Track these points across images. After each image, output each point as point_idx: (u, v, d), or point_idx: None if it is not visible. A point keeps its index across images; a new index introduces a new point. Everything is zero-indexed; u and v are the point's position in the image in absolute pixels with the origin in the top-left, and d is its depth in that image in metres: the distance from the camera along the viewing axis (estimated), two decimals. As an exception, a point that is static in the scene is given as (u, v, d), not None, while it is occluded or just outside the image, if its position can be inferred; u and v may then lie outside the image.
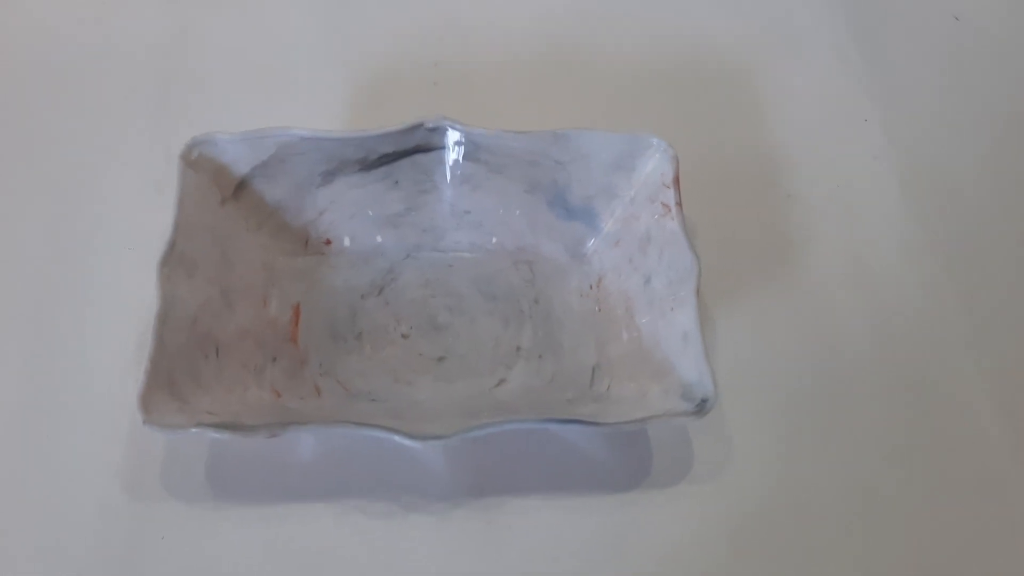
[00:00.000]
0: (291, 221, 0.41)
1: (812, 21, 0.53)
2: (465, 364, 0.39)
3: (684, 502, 0.37)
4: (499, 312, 0.40)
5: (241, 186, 0.40)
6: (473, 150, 0.40)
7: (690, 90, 0.49)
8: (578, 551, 0.36)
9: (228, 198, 0.39)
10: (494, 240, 0.42)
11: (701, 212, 0.42)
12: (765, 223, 0.45)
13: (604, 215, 0.41)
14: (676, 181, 0.39)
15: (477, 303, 0.41)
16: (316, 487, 0.37)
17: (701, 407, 0.34)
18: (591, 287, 0.41)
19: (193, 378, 0.35)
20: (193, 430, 0.32)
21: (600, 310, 0.40)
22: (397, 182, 0.41)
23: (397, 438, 0.32)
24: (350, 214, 0.41)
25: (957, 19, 0.54)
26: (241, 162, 0.39)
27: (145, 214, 0.42)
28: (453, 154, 0.40)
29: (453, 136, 0.40)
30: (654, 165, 0.39)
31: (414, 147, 0.40)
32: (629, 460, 0.38)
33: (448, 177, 0.41)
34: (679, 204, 0.38)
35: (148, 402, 0.33)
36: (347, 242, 0.42)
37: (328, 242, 0.42)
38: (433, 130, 0.39)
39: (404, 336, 0.40)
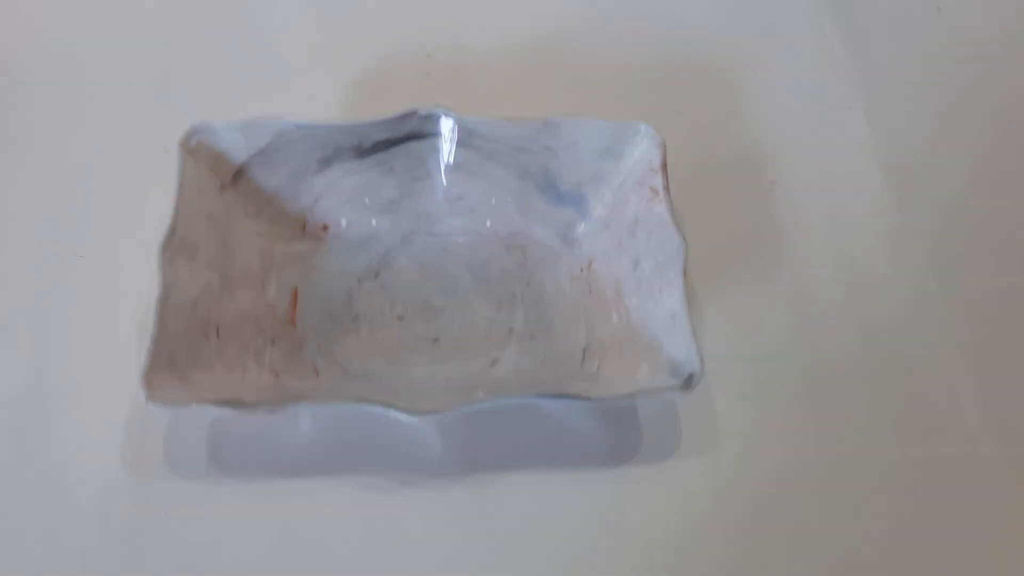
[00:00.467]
0: (288, 207, 0.42)
1: (797, 11, 0.54)
2: (459, 345, 0.40)
3: (672, 477, 0.38)
4: (492, 295, 0.41)
5: (239, 173, 0.41)
6: (466, 137, 0.41)
7: (677, 79, 0.50)
8: (569, 524, 0.37)
9: (227, 185, 0.40)
10: (487, 225, 0.43)
11: (688, 197, 0.43)
12: (750, 208, 0.46)
13: (594, 200, 0.42)
14: (663, 166, 0.40)
15: (470, 286, 0.42)
16: (315, 464, 0.37)
17: (688, 382, 0.35)
18: (581, 270, 0.42)
19: (194, 359, 0.36)
20: (195, 406, 0.33)
21: (590, 292, 0.41)
22: (391, 169, 0.42)
23: (394, 413, 0.33)
24: (346, 200, 0.42)
25: (939, 10, 0.54)
26: (239, 150, 0.40)
27: (143, 202, 0.43)
28: (446, 141, 0.41)
29: (446, 123, 0.41)
30: (642, 151, 0.40)
31: (408, 134, 0.41)
32: (619, 437, 0.39)
33: (441, 164, 0.42)
34: (667, 188, 0.39)
35: (151, 380, 0.34)
36: (343, 227, 0.42)
37: (325, 228, 0.42)
38: (426, 117, 0.40)
39: (400, 318, 0.41)
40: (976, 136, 0.49)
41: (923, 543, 0.37)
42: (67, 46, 0.50)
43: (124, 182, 0.45)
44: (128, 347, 0.39)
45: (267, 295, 0.40)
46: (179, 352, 0.36)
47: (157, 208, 0.39)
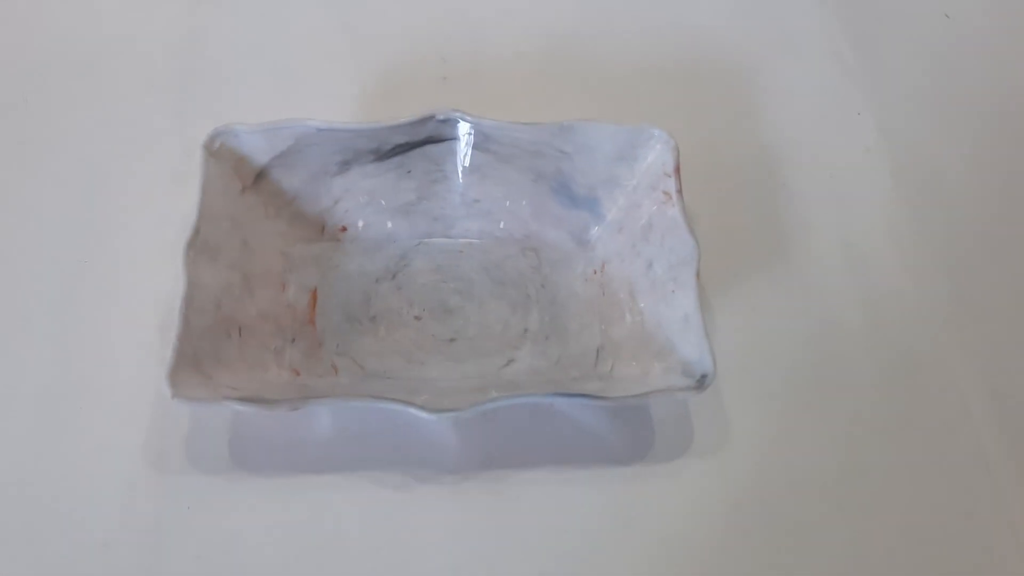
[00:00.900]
0: (308, 209, 0.43)
1: (808, 17, 0.54)
2: (475, 345, 0.41)
3: (684, 476, 0.39)
4: (507, 296, 0.42)
5: (260, 175, 0.41)
6: (482, 141, 0.42)
7: (690, 84, 0.51)
8: (582, 522, 0.37)
9: (248, 187, 0.41)
10: (502, 227, 0.43)
11: (700, 201, 0.44)
12: (761, 211, 0.46)
13: (607, 203, 0.43)
14: (677, 170, 0.40)
15: (486, 288, 0.42)
16: (333, 460, 0.38)
17: (701, 383, 0.36)
18: (595, 272, 0.43)
19: (217, 357, 0.37)
20: (219, 403, 0.34)
21: (604, 294, 0.42)
22: (409, 172, 0.43)
23: (412, 410, 0.34)
24: (364, 202, 0.43)
25: (948, 16, 0.55)
26: (260, 152, 0.41)
27: (165, 203, 0.44)
28: (463, 145, 0.42)
29: (463, 127, 0.41)
30: (656, 155, 0.41)
31: (426, 138, 0.42)
32: (631, 436, 0.39)
33: (458, 167, 0.43)
34: (680, 192, 0.40)
35: (176, 378, 0.34)
36: (361, 229, 0.43)
37: (343, 229, 0.43)
38: (444, 121, 0.41)
39: (416, 319, 0.41)
40: (984, 141, 0.50)
41: (933, 544, 0.38)
42: (92, 49, 0.51)
43: (146, 183, 0.46)
44: (150, 345, 0.40)
45: (287, 295, 0.41)
46: (202, 350, 0.36)
47: (179, 208, 0.40)
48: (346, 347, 0.40)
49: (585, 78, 0.51)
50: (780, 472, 0.39)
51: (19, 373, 0.40)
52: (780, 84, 0.51)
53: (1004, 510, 0.39)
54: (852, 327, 0.43)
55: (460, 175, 0.43)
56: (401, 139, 0.42)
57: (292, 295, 0.41)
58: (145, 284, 0.42)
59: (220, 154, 0.40)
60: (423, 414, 0.34)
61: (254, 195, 0.41)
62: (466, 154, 0.42)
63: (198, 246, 0.38)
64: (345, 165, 0.42)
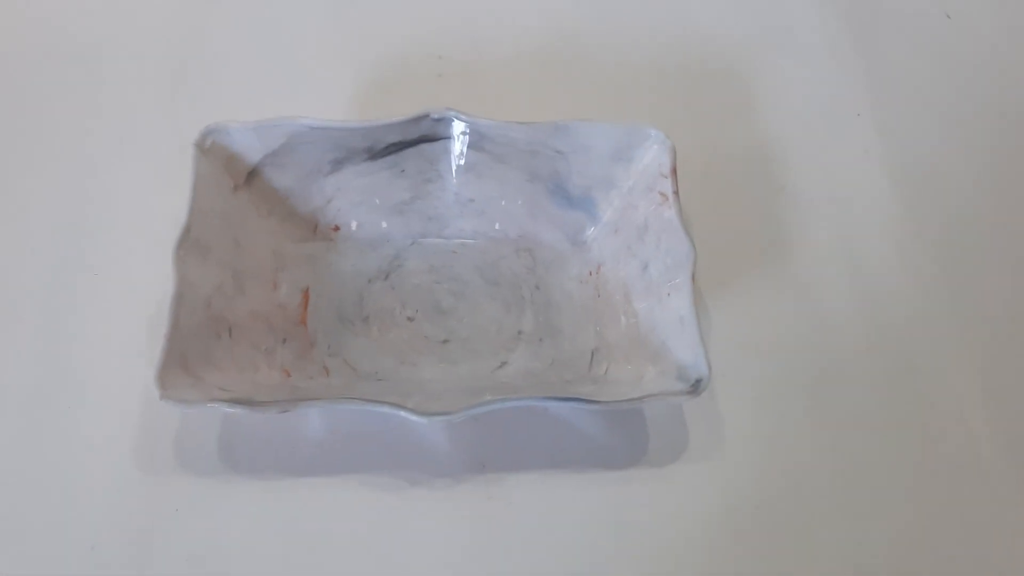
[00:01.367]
0: (300, 208, 0.42)
1: (806, 17, 0.54)
2: (468, 347, 0.40)
3: (679, 480, 0.38)
4: (501, 297, 0.42)
5: (253, 174, 0.41)
6: (477, 140, 0.41)
7: (687, 84, 0.51)
8: (576, 525, 0.37)
9: (240, 185, 0.41)
10: (497, 228, 0.43)
11: (697, 202, 0.44)
12: (758, 214, 0.46)
13: (603, 204, 0.42)
14: (673, 171, 0.40)
15: (480, 288, 0.42)
16: (324, 462, 0.38)
17: (695, 387, 0.35)
18: (590, 273, 0.42)
19: (206, 357, 0.37)
20: (208, 405, 0.34)
21: (599, 296, 0.41)
22: (403, 171, 0.42)
23: (404, 414, 0.34)
24: (357, 201, 0.43)
25: (949, 17, 0.55)
26: (253, 151, 0.40)
27: (156, 201, 0.44)
28: (458, 144, 0.42)
29: (458, 126, 0.41)
30: (652, 156, 0.41)
31: (420, 137, 0.41)
32: (626, 440, 0.39)
33: (453, 166, 0.42)
34: (676, 193, 0.39)
35: (164, 379, 0.34)
36: (354, 228, 0.43)
37: (336, 228, 0.43)
38: (439, 120, 0.41)
39: (410, 319, 0.41)
40: (984, 143, 0.50)
41: (929, 547, 0.38)
42: (83, 46, 0.50)
43: (137, 180, 0.45)
44: (139, 344, 0.40)
45: (278, 295, 0.41)
46: (192, 351, 0.36)
47: (169, 207, 0.39)
48: (338, 348, 0.40)
49: (582, 77, 0.50)
50: (775, 476, 0.39)
51: (6, 373, 0.40)
52: (778, 84, 0.51)
53: (1001, 514, 0.38)
54: (849, 330, 0.43)
55: (454, 174, 0.42)
56: (395, 138, 0.41)
57: (284, 295, 0.41)
58: (135, 282, 0.42)
59: (212, 152, 0.40)
60: (414, 417, 0.34)
61: (246, 193, 0.41)
62: (461, 153, 0.42)
63: (189, 245, 0.37)
64: (338, 164, 0.42)
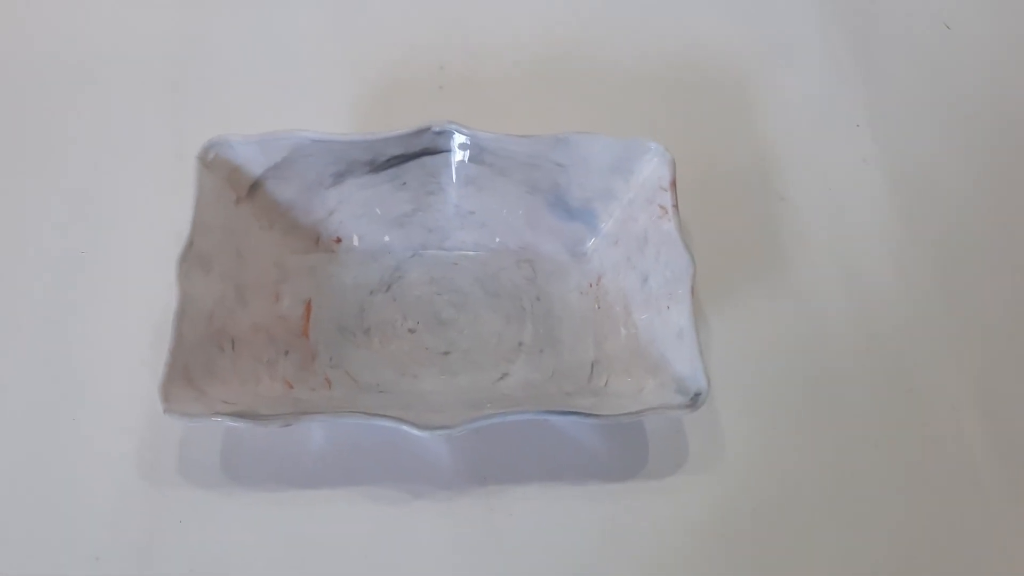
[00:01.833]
0: (302, 220, 0.42)
1: (805, 28, 0.54)
2: (469, 358, 0.41)
3: (678, 492, 0.39)
4: (502, 309, 0.42)
5: (255, 186, 0.41)
6: (478, 153, 0.42)
7: (687, 96, 0.51)
8: (576, 538, 0.37)
9: (242, 198, 0.41)
10: (497, 240, 0.43)
11: (697, 214, 0.44)
12: (758, 225, 0.46)
13: (603, 216, 0.43)
14: (673, 184, 0.40)
15: (480, 300, 0.42)
16: (325, 474, 0.38)
17: (695, 400, 0.36)
18: (590, 285, 0.42)
19: (209, 370, 0.37)
20: (211, 419, 0.34)
21: (599, 307, 0.42)
22: (404, 183, 0.42)
23: (405, 428, 0.34)
24: (359, 214, 0.43)
25: (948, 27, 0.55)
26: (255, 163, 0.41)
27: (158, 213, 0.44)
28: (459, 157, 0.42)
29: (459, 139, 0.41)
30: (652, 169, 0.41)
31: (421, 150, 0.41)
32: (626, 452, 0.39)
33: (454, 179, 0.42)
34: (675, 206, 0.40)
35: (168, 392, 0.34)
36: (356, 241, 0.43)
37: (338, 240, 0.43)
38: (440, 133, 0.41)
39: (411, 331, 0.41)
40: (982, 153, 0.50)
41: (927, 555, 0.38)
42: (85, 59, 0.50)
43: (140, 194, 0.45)
44: (143, 354, 0.40)
45: (280, 307, 0.41)
46: (195, 364, 0.36)
47: (172, 220, 0.40)
48: (340, 359, 0.40)
49: (582, 89, 0.51)
50: (775, 488, 0.39)
51: (12, 384, 0.40)
52: (777, 95, 0.51)
53: (997, 518, 0.39)
54: (849, 342, 0.43)
55: (455, 187, 0.43)
56: (396, 150, 0.41)
57: (286, 307, 0.41)
58: (138, 295, 0.42)
59: (214, 165, 0.40)
60: (415, 431, 0.34)
61: (248, 206, 0.41)
62: (462, 166, 0.42)
63: (192, 259, 0.37)
64: (340, 176, 0.42)
